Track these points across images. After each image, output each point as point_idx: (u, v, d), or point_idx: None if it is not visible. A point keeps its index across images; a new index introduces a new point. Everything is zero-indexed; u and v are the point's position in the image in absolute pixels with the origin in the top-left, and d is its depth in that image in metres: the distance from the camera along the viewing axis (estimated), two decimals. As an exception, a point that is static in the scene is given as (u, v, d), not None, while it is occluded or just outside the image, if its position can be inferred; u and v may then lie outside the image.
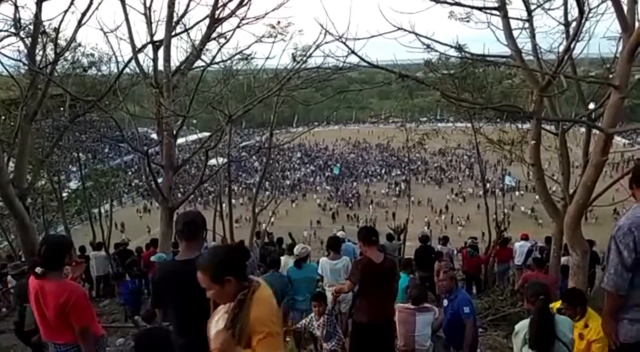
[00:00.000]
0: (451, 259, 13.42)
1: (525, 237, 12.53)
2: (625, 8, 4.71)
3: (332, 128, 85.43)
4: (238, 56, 10.92)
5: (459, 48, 7.72)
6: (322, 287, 7.04)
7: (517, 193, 48.30)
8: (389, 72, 5.27)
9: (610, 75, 6.11)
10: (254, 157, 49.73)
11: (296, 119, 71.72)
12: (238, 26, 8.53)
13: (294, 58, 11.64)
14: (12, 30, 8.34)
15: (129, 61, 8.65)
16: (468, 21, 8.55)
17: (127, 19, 8.33)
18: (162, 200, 8.82)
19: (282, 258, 7.91)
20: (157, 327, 5.35)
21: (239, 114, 9.01)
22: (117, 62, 9.09)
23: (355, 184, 60.01)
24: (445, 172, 62.90)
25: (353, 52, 4.90)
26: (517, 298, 8.64)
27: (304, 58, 9.83)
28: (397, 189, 55.78)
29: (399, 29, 5.13)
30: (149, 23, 8.74)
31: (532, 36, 6.76)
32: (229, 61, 10.97)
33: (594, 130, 5.97)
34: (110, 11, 8.61)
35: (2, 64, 8.66)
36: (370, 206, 51.66)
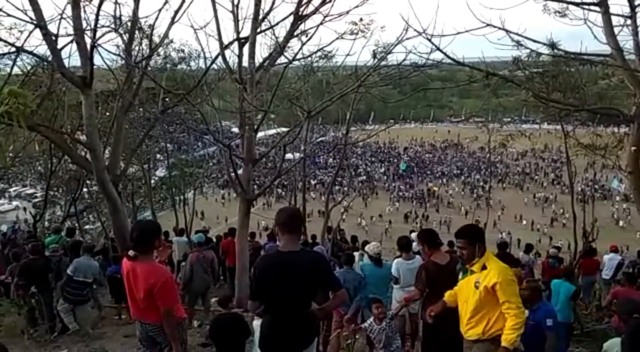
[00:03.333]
0: (531, 270, 12.73)
1: (614, 250, 11.61)
2: None
3: (408, 126, 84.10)
4: (319, 53, 11.03)
5: (552, 45, 7.27)
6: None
7: (617, 199, 45.05)
8: (476, 70, 5.08)
9: None
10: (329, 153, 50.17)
11: (372, 116, 71.27)
12: (321, 23, 8.58)
13: (374, 55, 11.54)
14: (112, 26, 9.01)
15: (216, 57, 9.02)
16: (563, 16, 8.03)
17: (216, 17, 8.68)
18: (241, 191, 9.12)
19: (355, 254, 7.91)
20: (232, 313, 5.54)
21: (317, 111, 9.10)
22: (205, 58, 9.51)
23: (430, 184, 58.60)
24: (528, 176, 59.73)
25: (438, 48, 4.80)
26: (604, 314, 8.03)
27: (385, 55, 9.72)
28: (475, 191, 53.78)
29: (487, 25, 4.94)
30: (236, 20, 9.02)
31: (635, 34, 6.20)
32: (310, 58, 11.11)
33: None
34: (200, 9, 9.05)
35: (102, 57, 9.35)
36: (446, 208, 50.32)
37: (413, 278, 6.73)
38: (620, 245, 15.53)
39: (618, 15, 6.33)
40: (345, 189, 40.05)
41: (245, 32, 8.96)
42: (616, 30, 6.38)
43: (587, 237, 12.63)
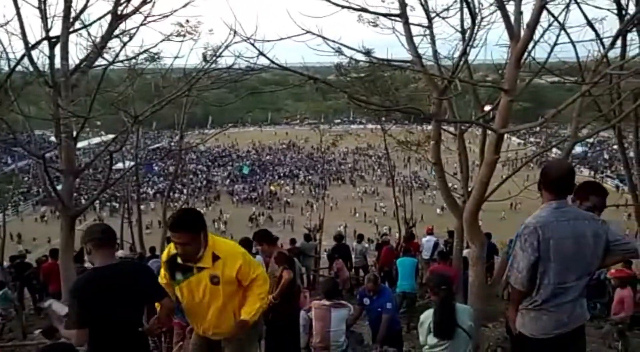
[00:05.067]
0: (364, 256, 13.90)
1: (430, 232, 13.23)
2: (512, 18, 5.14)
3: (248, 130, 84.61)
4: (144, 55, 10.48)
5: (367, 53, 8.01)
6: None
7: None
8: (299, 74, 5.33)
9: (502, 80, 6.64)
10: (167, 160, 47.89)
11: (210, 120, 70.07)
12: (142, 24, 8.16)
13: (204, 58, 11.37)
14: None
15: (22, 58, 7.96)
16: (376, 26, 8.88)
17: (18, 13, 7.67)
18: (62, 207, 8.21)
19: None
20: (59, 343, 4.98)
21: (146, 115, 8.64)
22: (9, 59, 8.35)
23: (271, 186, 59.74)
24: (357, 172, 64.66)
25: (261, 53, 4.90)
26: (424, 290, 9.14)
27: (214, 58, 9.66)
28: (313, 190, 56.44)
29: (307, 32, 5.22)
30: (44, 18, 8.12)
31: (433, 43, 7.19)
32: (134, 60, 10.49)
33: (489, 131, 6.44)
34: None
35: None
36: (287, 207, 51.82)
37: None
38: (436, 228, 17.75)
39: (418, 25, 7.26)
40: (185, 196, 38.61)
41: (56, 31, 8.09)
42: (418, 39, 7.33)
43: (407, 223, 14.32)
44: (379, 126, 17.59)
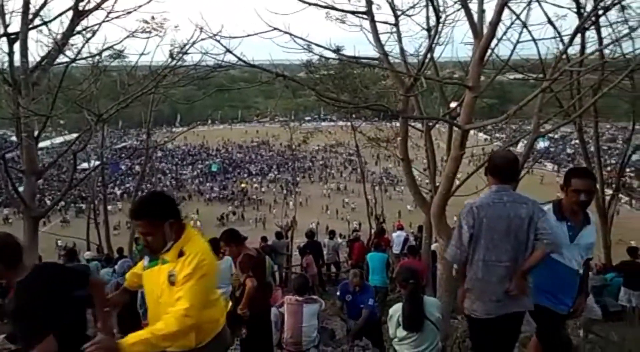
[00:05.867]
0: (337, 252, 14.01)
1: (400, 227, 13.43)
2: (475, 16, 5.26)
3: (217, 127, 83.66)
4: (108, 52, 10.24)
5: (336, 50, 8.03)
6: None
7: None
8: (267, 71, 5.32)
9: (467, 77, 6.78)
10: (135, 159, 46.90)
11: (179, 118, 69.07)
12: (105, 20, 7.99)
13: (171, 55, 11.19)
14: None
15: (-23, 55, 7.71)
16: (344, 23, 8.92)
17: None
18: (25, 209, 7.98)
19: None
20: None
21: (110, 113, 8.47)
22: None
23: (243, 184, 59.28)
24: (328, 169, 64.82)
25: (228, 50, 4.88)
26: (394, 285, 9.28)
27: (181, 55, 9.52)
28: (285, 187, 56.27)
29: (274, 29, 5.21)
30: (2, 14, 7.86)
31: (399, 40, 7.27)
32: (97, 57, 10.24)
33: (455, 127, 6.57)
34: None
35: None
36: (259, 206, 51.55)
37: (224, 278, 6.86)
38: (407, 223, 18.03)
39: (385, 23, 7.33)
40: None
41: (15, 27, 7.85)
42: (385, 36, 7.40)
43: (378, 219, 14.49)
44: (349, 123, 17.68)
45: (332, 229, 15.54)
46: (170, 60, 9.73)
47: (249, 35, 5.51)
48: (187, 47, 8.46)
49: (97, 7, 7.72)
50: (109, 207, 30.93)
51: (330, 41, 6.94)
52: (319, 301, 5.63)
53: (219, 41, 4.80)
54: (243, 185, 58.24)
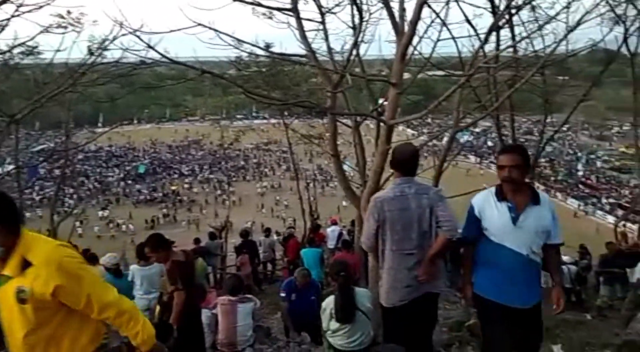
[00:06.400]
0: (273, 250, 13.96)
1: (334, 222, 13.60)
2: (396, 14, 5.42)
3: (144, 127, 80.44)
4: (20, 48, 9.55)
5: (266, 47, 8.01)
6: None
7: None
8: (192, 68, 5.18)
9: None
10: (54, 162, 43.94)
11: (101, 118, 65.56)
12: (15, 14, 7.42)
13: (90, 51, 10.61)
14: None
15: None
16: (271, 19, 8.87)
17: None
18: None
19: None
20: None
21: (24, 113, 7.91)
22: None
23: (173, 187, 57.39)
24: (262, 167, 64.41)
25: (150, 46, 4.71)
26: (328, 280, 9.42)
27: (101, 51, 9.07)
28: (218, 187, 55.23)
29: (198, 24, 5.09)
30: None
31: (326, 38, 7.35)
32: (8, 53, 9.52)
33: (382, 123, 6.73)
34: None
35: None
36: (192, 207, 50.24)
37: (154, 283, 6.66)
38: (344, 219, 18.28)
39: (311, 20, 7.38)
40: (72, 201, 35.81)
41: None
42: (313, 33, 7.45)
43: (312, 215, 14.60)
44: (281, 121, 17.64)
45: (268, 227, 15.48)
46: (88, 56, 9.24)
47: (172, 31, 5.34)
48: (106, 43, 8.06)
49: (5, 0, 7.16)
50: (28, 214, 28.87)
51: (257, 38, 6.92)
52: (253, 300, 5.59)
53: (139, 37, 4.61)
54: (174, 187, 56.43)
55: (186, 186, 57.86)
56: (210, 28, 5.09)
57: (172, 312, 4.84)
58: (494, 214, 3.14)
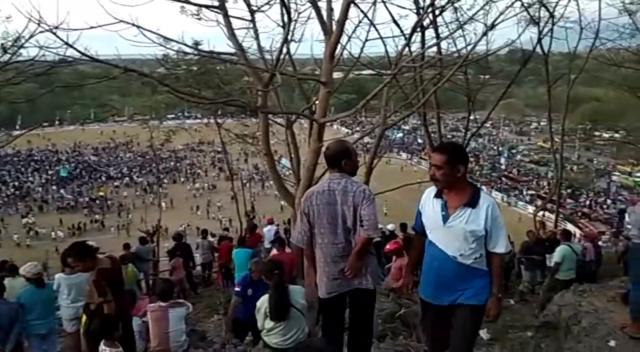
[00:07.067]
0: (212, 251, 13.65)
1: (270, 222, 13.53)
2: (324, 14, 5.51)
3: (67, 129, 75.92)
4: None
5: (195, 45, 7.81)
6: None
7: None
8: (115, 67, 4.98)
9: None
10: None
11: (19, 119, 61.07)
12: None
13: (3, 49, 9.89)
14: None
15: None
16: (200, 18, 8.69)
17: None
18: None
19: (6, 281, 6.74)
20: None
21: None
22: None
23: (101, 193, 54.45)
24: (195, 168, 62.82)
25: (68, 44, 4.48)
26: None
27: (16, 49, 8.47)
28: (148, 190, 53.15)
29: (120, 21, 4.90)
30: None
31: (256, 36, 7.33)
32: None
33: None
34: None
35: None
36: (121, 211, 48.02)
37: (82, 291, 6.32)
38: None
39: (241, 18, 7.31)
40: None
41: None
42: (243, 32, 7.38)
43: (248, 215, 14.47)
44: (213, 120, 17.31)
45: (205, 229, 15.17)
46: (2, 54, 8.63)
47: (92, 28, 5.12)
48: (22, 40, 7.53)
49: None
50: None
51: (186, 36, 6.75)
52: (185, 305, 5.46)
53: (55, 34, 4.36)
54: (102, 193, 53.63)
55: (115, 189, 55.20)
56: (133, 25, 4.92)
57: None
58: (429, 210, 3.15)
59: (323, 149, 5.07)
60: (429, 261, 3.17)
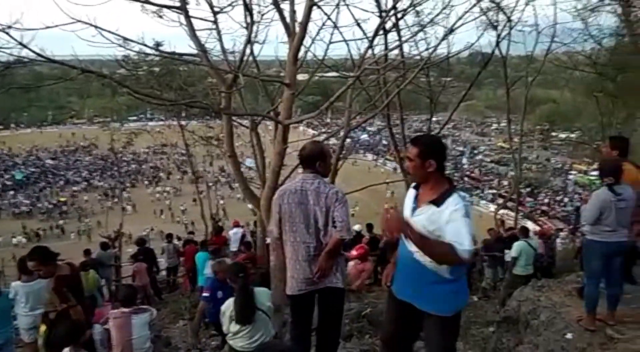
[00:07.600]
0: (178, 254, 13.45)
1: (236, 225, 13.45)
2: (287, 16, 5.52)
3: (23, 132, 73.14)
4: None
5: (156, 46, 7.66)
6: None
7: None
8: (71, 67, 4.85)
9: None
10: None
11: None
12: None
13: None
14: None
15: None
16: (161, 17, 8.54)
17: None
18: None
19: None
20: None
21: None
22: None
23: (62, 198, 52.60)
24: (159, 171, 61.55)
25: (22, 44, 4.33)
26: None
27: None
28: (110, 194, 51.70)
29: (77, 21, 4.78)
30: None
31: (219, 37, 7.26)
32: None
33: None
34: None
35: None
36: (81, 216, 46.51)
37: (40, 299, 6.12)
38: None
39: (203, 19, 7.24)
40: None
41: None
42: (206, 33, 7.29)
43: (214, 218, 14.32)
44: (176, 122, 17.04)
45: (169, 233, 14.91)
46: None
47: (47, 27, 4.96)
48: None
49: None
50: None
51: (147, 36, 6.63)
52: (149, 310, 5.34)
53: (7, 33, 4.21)
54: (63, 199, 51.84)
55: (74, 194, 53.43)
56: (90, 24, 4.81)
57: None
58: (407, 200, 3.02)
59: (293, 150, 5.05)
60: (399, 252, 3.05)
